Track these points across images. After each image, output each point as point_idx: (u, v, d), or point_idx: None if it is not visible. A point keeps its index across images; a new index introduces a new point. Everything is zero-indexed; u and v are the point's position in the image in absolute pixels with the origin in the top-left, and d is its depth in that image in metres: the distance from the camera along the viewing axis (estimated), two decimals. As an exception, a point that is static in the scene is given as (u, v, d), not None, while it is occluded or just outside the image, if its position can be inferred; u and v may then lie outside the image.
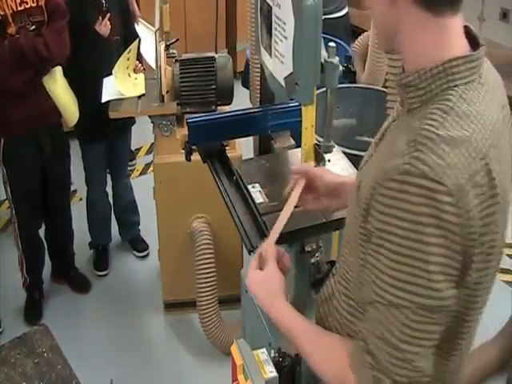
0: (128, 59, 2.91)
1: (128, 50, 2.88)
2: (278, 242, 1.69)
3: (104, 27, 2.98)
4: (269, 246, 1.41)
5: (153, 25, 2.93)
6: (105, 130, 3.12)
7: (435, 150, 0.98)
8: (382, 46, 1.16)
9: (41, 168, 2.97)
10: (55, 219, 3.19)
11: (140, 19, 3.50)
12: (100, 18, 2.98)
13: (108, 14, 2.99)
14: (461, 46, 1.08)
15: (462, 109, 1.03)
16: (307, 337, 1.26)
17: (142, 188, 3.50)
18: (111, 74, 2.88)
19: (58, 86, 2.88)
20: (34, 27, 2.73)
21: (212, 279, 2.82)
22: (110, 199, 3.48)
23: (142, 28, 3.39)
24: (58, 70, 2.87)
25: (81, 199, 3.69)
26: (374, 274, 1.05)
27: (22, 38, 2.68)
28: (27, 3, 2.69)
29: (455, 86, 1.05)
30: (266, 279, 1.35)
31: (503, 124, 1.11)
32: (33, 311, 3.19)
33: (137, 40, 2.98)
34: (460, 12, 1.07)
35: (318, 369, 1.23)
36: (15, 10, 2.67)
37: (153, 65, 2.89)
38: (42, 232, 3.22)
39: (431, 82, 1.05)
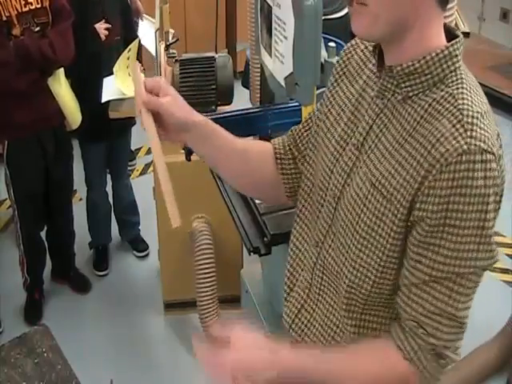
0: (128, 58, 2.91)
1: (128, 49, 2.88)
2: (276, 243, 1.69)
3: (103, 30, 3.00)
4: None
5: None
6: (105, 131, 3.12)
7: (480, 125, 1.06)
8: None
9: (44, 169, 2.98)
10: (57, 220, 3.19)
11: (144, 15, 3.51)
12: (103, 19, 3.00)
13: (107, 24, 3.02)
14: (443, 34, 1.16)
15: (473, 86, 1.13)
16: (341, 363, 1.16)
17: (142, 188, 3.51)
18: (111, 73, 2.88)
19: (63, 88, 2.89)
20: (38, 28, 2.73)
21: (212, 279, 2.81)
22: (110, 199, 3.49)
23: (146, 23, 3.40)
24: (61, 71, 2.88)
25: (81, 199, 3.69)
26: (437, 252, 1.08)
27: (26, 39, 2.68)
28: (32, 4, 2.69)
29: (459, 66, 1.13)
30: (248, 340, 1.15)
31: None
32: (33, 311, 3.19)
33: (137, 40, 2.99)
34: None
35: (364, 379, 1.16)
36: (20, 11, 2.67)
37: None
38: (42, 232, 3.23)
39: (438, 66, 1.11)
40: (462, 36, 1.15)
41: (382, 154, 1.15)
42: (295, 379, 1.15)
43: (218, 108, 2.84)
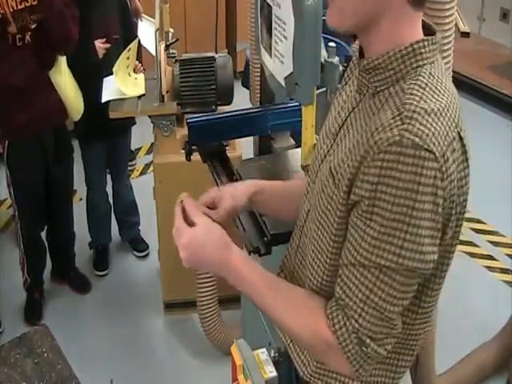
0: (128, 58, 2.90)
1: (128, 48, 2.88)
2: (276, 243, 1.69)
3: (101, 50, 3.01)
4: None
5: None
6: (105, 130, 3.12)
7: (421, 121, 1.05)
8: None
9: (44, 169, 2.97)
10: (57, 220, 3.19)
11: (143, 15, 3.51)
12: (105, 39, 3.03)
13: (107, 45, 3.04)
14: (421, 33, 1.16)
15: (434, 84, 1.11)
16: (276, 292, 1.24)
17: (142, 188, 3.50)
18: (111, 73, 2.88)
19: (64, 79, 2.87)
20: (35, 25, 2.72)
21: (212, 279, 2.81)
22: (110, 199, 3.49)
23: (145, 23, 3.40)
24: (63, 61, 2.86)
25: (81, 199, 3.69)
26: (362, 237, 1.10)
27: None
28: (27, 1, 2.67)
29: (424, 64, 1.13)
30: (209, 230, 1.30)
31: None
32: (33, 311, 3.19)
33: (136, 39, 2.99)
34: None
35: (288, 326, 1.23)
36: (15, 8, 2.64)
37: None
38: (43, 232, 3.22)
39: (401, 62, 1.12)
40: (437, 36, 1.15)
41: (345, 144, 1.18)
42: (232, 282, 1.34)
43: (218, 108, 2.84)
